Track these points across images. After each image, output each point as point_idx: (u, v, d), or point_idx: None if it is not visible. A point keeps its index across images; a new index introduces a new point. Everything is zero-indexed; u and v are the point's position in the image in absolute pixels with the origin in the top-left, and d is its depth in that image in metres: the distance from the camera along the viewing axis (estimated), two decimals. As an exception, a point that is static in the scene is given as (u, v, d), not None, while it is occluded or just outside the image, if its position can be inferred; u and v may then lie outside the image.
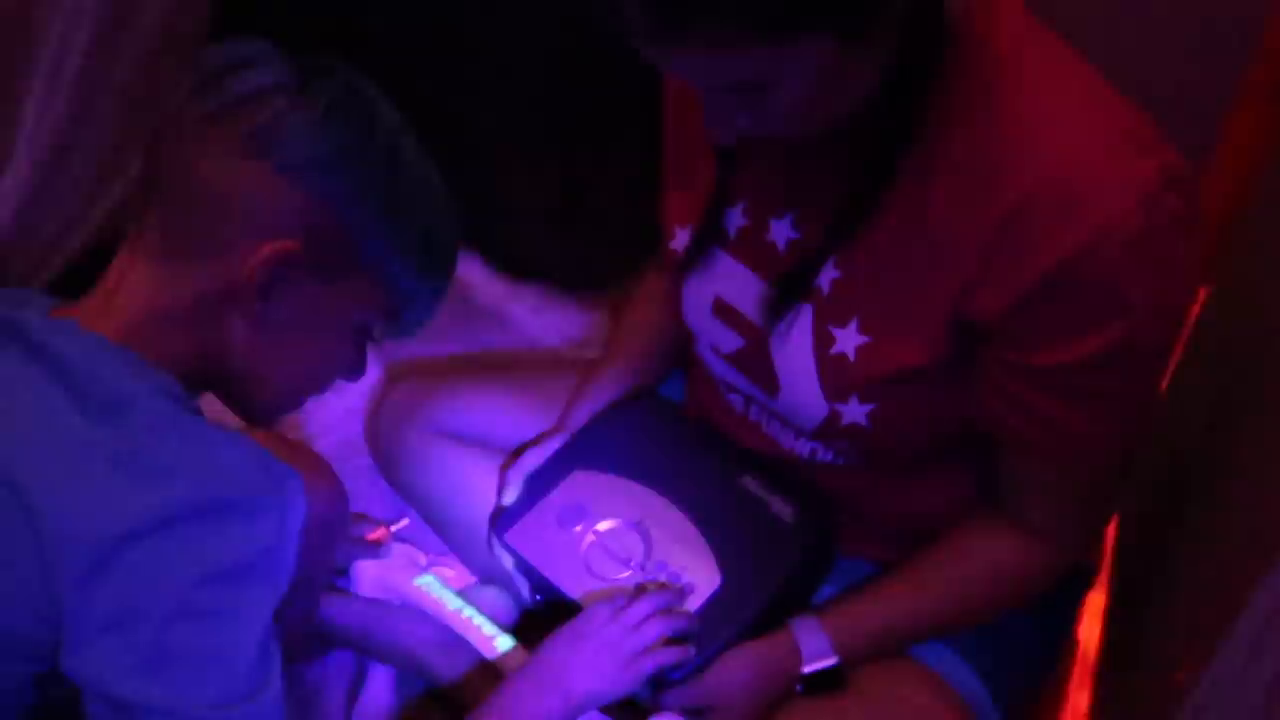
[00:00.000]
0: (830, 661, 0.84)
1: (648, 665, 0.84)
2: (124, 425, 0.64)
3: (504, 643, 0.95)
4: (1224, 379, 0.96)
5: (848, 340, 0.79)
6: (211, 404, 0.75)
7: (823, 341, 0.80)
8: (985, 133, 0.71)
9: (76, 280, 0.75)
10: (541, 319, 1.42)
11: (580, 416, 1.02)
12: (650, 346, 1.06)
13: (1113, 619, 1.05)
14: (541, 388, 1.09)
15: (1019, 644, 0.92)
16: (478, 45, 1.34)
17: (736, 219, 0.85)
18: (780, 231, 0.83)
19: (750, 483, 0.92)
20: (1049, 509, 0.82)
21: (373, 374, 1.29)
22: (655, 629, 0.85)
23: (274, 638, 0.67)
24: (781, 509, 0.91)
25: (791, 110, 0.68)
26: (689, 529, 0.91)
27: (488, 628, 0.96)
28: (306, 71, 0.69)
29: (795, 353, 0.82)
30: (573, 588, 0.91)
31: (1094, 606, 1.05)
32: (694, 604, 0.88)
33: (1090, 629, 1.05)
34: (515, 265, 1.45)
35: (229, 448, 0.66)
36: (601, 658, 0.83)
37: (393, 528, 1.06)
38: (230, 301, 0.69)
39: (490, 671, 0.94)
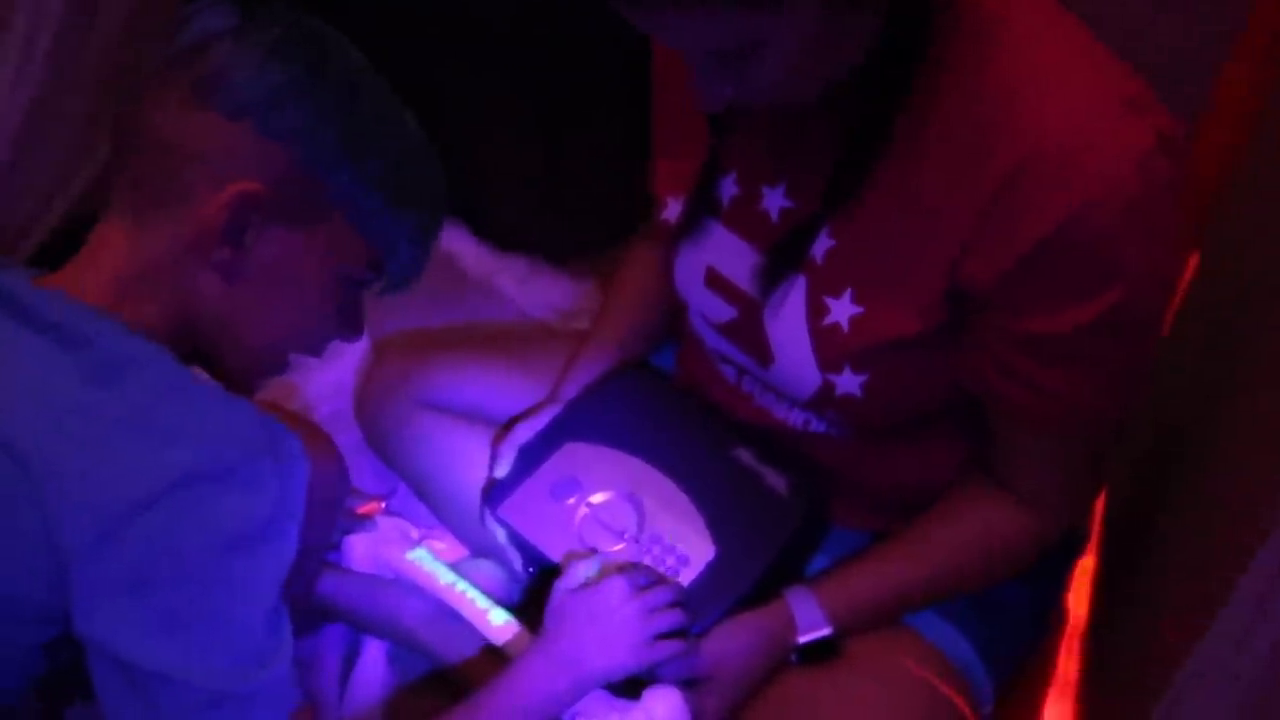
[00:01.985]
0: (825, 631, 0.84)
1: (658, 653, 0.83)
2: (126, 388, 0.63)
3: (498, 616, 0.95)
4: (1214, 345, 0.96)
5: (841, 310, 0.79)
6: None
7: (816, 312, 0.79)
8: (977, 96, 0.70)
9: (53, 256, 0.74)
10: (528, 289, 1.41)
11: (572, 388, 1.01)
12: (641, 317, 1.05)
13: (1102, 587, 1.05)
14: (532, 359, 1.08)
15: (1011, 611, 0.93)
16: (461, 17, 1.33)
17: (729, 188, 0.84)
18: (773, 200, 0.82)
19: (743, 454, 0.92)
20: (1041, 477, 0.82)
21: (360, 347, 1.28)
22: (670, 619, 0.84)
23: (284, 605, 0.66)
24: (775, 480, 0.91)
25: (778, 77, 0.67)
26: (683, 501, 0.91)
27: (481, 601, 0.96)
28: (250, 15, 0.68)
29: (788, 323, 0.81)
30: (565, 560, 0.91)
31: (1083, 574, 1.06)
32: (689, 576, 0.88)
33: (1079, 597, 1.06)
34: (501, 236, 1.44)
35: (231, 410, 0.66)
36: (618, 639, 0.83)
37: (383, 503, 1.05)
38: (202, 255, 0.68)
39: (488, 650, 0.94)
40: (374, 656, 1.00)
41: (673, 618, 0.84)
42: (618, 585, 0.84)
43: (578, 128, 1.40)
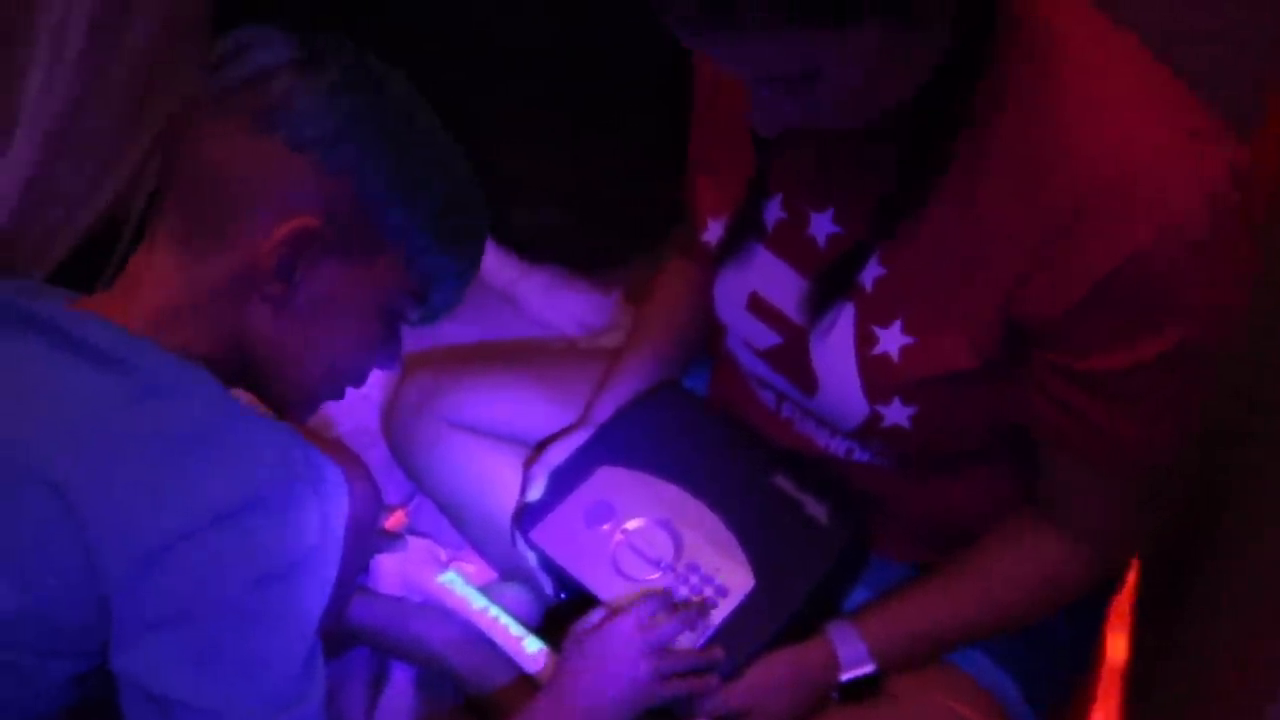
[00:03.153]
0: (868, 669, 0.82)
1: (668, 692, 0.83)
2: (168, 416, 0.62)
3: (532, 644, 0.93)
4: (1264, 375, 0.94)
5: (891, 340, 0.77)
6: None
7: (865, 341, 0.78)
8: (1040, 123, 0.68)
9: (79, 268, 0.73)
10: (554, 302, 1.39)
11: (605, 409, 0.99)
12: (675, 336, 1.03)
13: (1143, 624, 1.03)
14: (562, 379, 1.07)
15: (1052, 647, 0.91)
16: (488, 26, 1.31)
17: (774, 211, 0.82)
18: (821, 226, 0.80)
19: (783, 482, 0.90)
20: (1094, 513, 0.80)
21: (386, 364, 1.26)
22: (678, 662, 0.83)
23: (319, 640, 0.65)
24: (815, 509, 0.89)
25: (840, 101, 0.65)
26: (720, 529, 0.89)
27: (515, 628, 0.94)
28: (311, 47, 0.68)
29: (836, 352, 0.79)
30: (601, 588, 0.89)
31: (1121, 609, 1.04)
32: (727, 607, 0.86)
33: (1117, 632, 1.04)
34: (526, 247, 1.42)
35: (274, 438, 0.65)
36: (623, 680, 0.82)
37: (408, 506, 1.04)
38: (253, 286, 0.68)
39: (522, 678, 0.92)
40: (402, 682, 0.99)
41: (682, 660, 0.83)
42: (623, 625, 0.84)
43: (604, 137, 1.38)
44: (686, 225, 1.02)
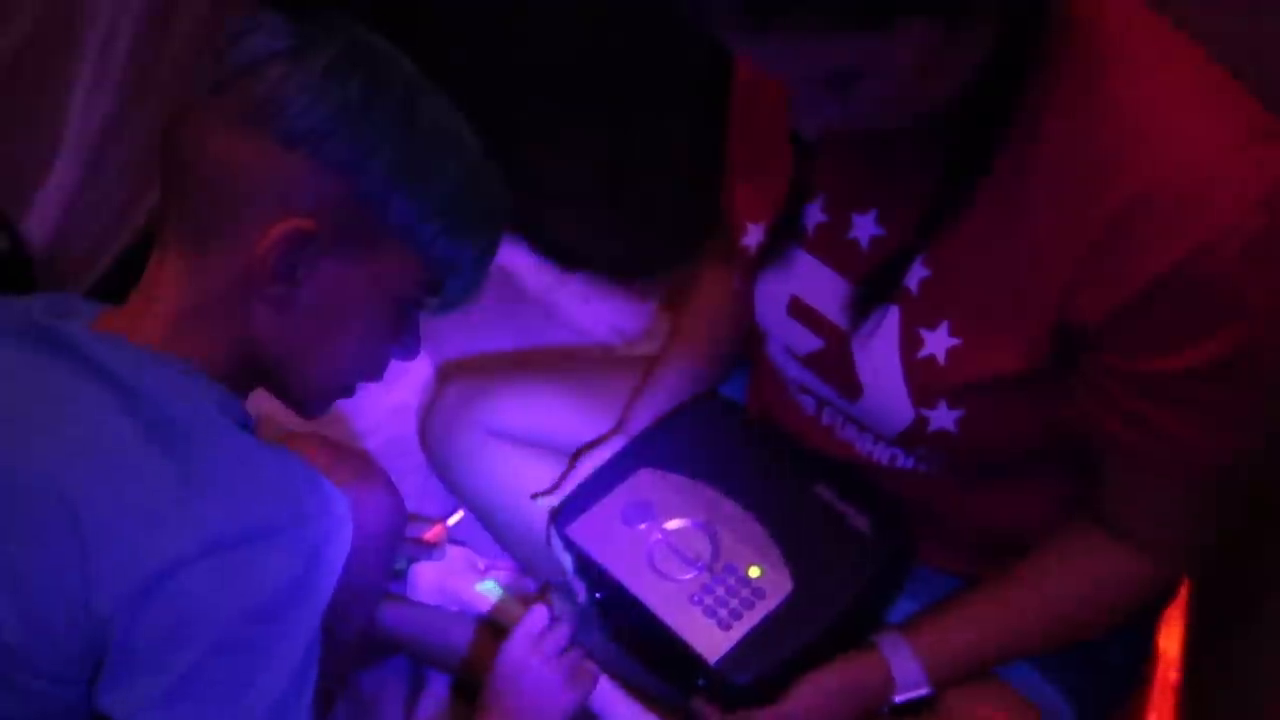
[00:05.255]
0: (923, 692, 0.80)
1: (582, 689, 0.89)
2: (177, 447, 0.61)
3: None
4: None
5: (938, 343, 0.75)
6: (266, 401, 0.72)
7: (910, 344, 0.76)
8: (1093, 122, 0.66)
9: (121, 281, 0.72)
10: (590, 308, 1.39)
11: (641, 419, 0.98)
12: (711, 344, 1.02)
13: (1196, 639, 1.01)
14: (600, 388, 1.06)
15: (1103, 661, 0.88)
16: (524, 29, 1.31)
17: (815, 215, 0.81)
18: (863, 228, 0.79)
19: (824, 491, 0.89)
20: (1156, 521, 0.77)
21: (424, 371, 1.26)
22: (571, 660, 0.89)
23: (312, 663, 0.63)
24: (857, 520, 0.87)
25: (885, 99, 0.64)
26: (760, 534, 0.88)
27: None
28: (303, 33, 0.65)
29: (880, 356, 0.78)
30: (635, 584, 0.88)
31: (1174, 622, 1.01)
32: (764, 609, 0.84)
33: (1170, 642, 1.01)
34: (562, 253, 1.42)
35: (278, 471, 0.63)
36: (538, 696, 0.86)
37: (449, 521, 1.03)
38: (253, 289, 0.65)
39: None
40: (439, 690, 0.98)
41: (573, 658, 0.90)
42: (515, 642, 0.89)
43: (642, 143, 1.37)
44: (723, 232, 1.01)
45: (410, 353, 0.75)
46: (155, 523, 0.59)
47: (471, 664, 0.95)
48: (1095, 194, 0.66)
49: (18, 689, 0.60)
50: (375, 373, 0.74)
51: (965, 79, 0.66)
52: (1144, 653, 0.95)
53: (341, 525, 0.63)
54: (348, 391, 0.74)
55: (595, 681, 0.90)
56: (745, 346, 1.01)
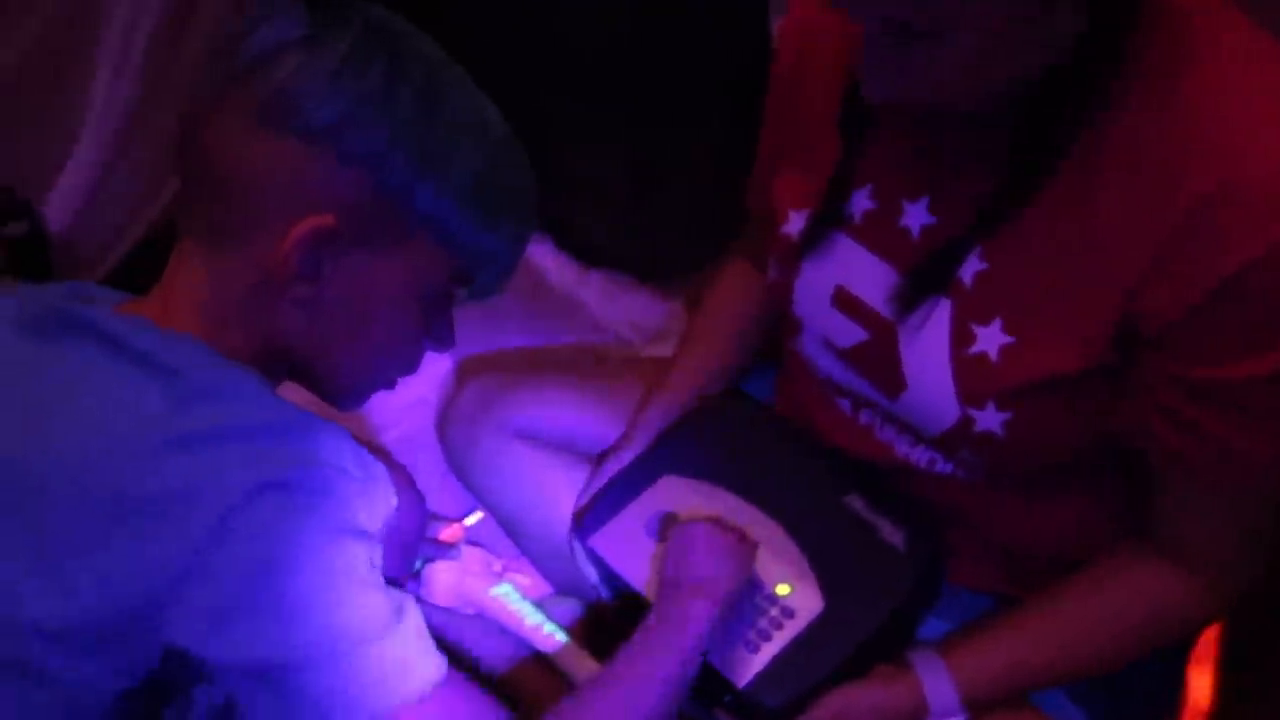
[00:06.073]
0: (958, 718, 0.78)
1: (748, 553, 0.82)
2: (219, 415, 0.60)
3: (591, 665, 0.89)
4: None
5: (990, 340, 0.72)
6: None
7: (961, 339, 0.73)
8: (1172, 117, 0.64)
9: (136, 271, 0.71)
10: (613, 307, 1.36)
11: (645, 434, 0.95)
12: (730, 342, 0.99)
13: (1226, 663, 0.98)
14: (623, 389, 1.03)
15: (1133, 685, 0.85)
16: (549, 25, 1.29)
17: (863, 202, 0.78)
18: (915, 216, 0.75)
19: (856, 502, 0.86)
20: (1211, 541, 0.74)
21: (443, 365, 1.24)
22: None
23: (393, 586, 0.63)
24: (890, 533, 0.84)
25: (966, 68, 0.62)
26: (789, 547, 0.85)
27: (568, 642, 0.91)
28: (319, 20, 0.62)
29: (928, 350, 0.74)
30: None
31: (1204, 648, 0.98)
32: (794, 629, 0.81)
33: (1201, 674, 0.98)
34: (586, 252, 1.39)
35: (325, 433, 0.62)
36: (716, 552, 0.80)
37: (467, 521, 1.01)
38: (278, 289, 0.64)
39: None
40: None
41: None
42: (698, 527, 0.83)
43: (668, 141, 1.35)
44: (749, 230, 0.98)
45: (445, 344, 0.73)
46: (214, 472, 0.58)
47: (512, 685, 0.92)
48: (1169, 190, 0.63)
49: (48, 679, 0.59)
50: (409, 366, 0.73)
51: (1047, 61, 0.63)
52: (1177, 678, 0.92)
53: (386, 493, 0.64)
54: (385, 384, 0.73)
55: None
56: (770, 346, 0.98)
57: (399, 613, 0.62)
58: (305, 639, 0.59)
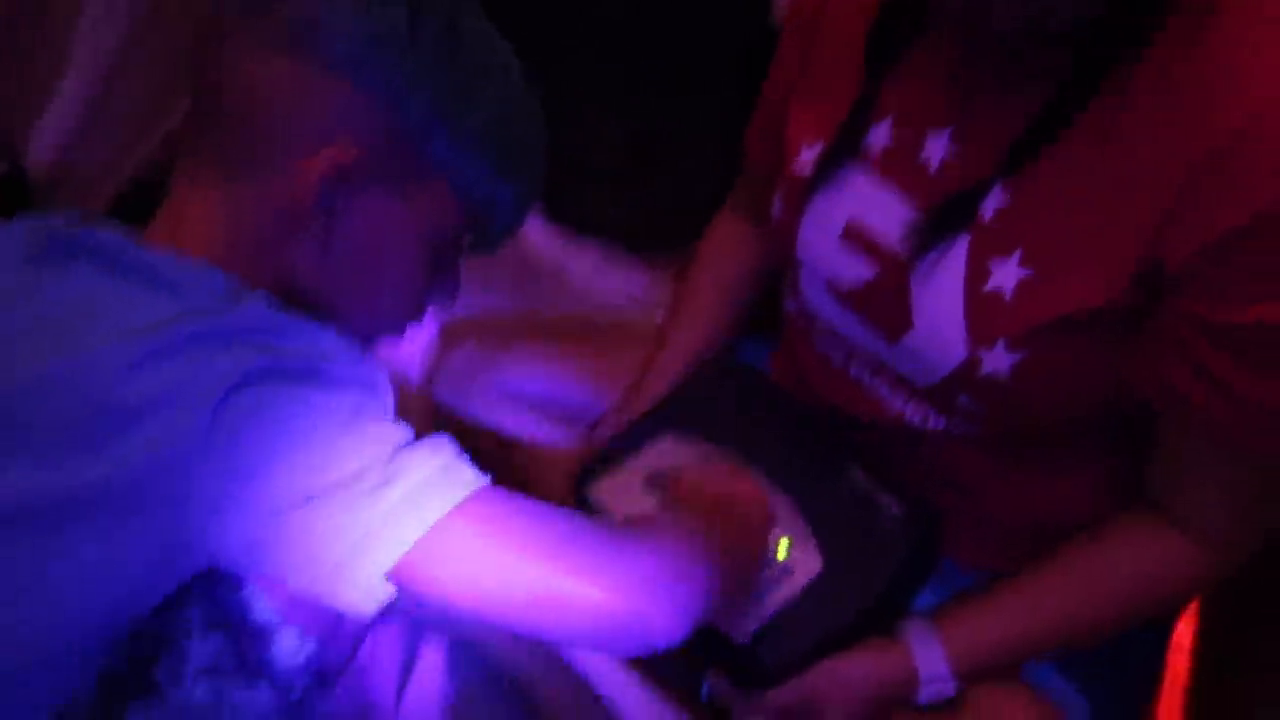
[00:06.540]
0: (948, 693, 0.77)
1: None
2: (229, 323, 0.59)
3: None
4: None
5: (1007, 275, 0.71)
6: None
7: (977, 276, 0.72)
8: (1203, 54, 0.64)
9: (122, 213, 0.69)
10: (604, 278, 1.35)
11: (650, 385, 0.95)
12: (726, 298, 0.99)
13: (1207, 631, 0.99)
14: (612, 353, 1.03)
15: (1122, 656, 0.86)
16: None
17: (881, 138, 0.77)
18: (935, 148, 0.75)
19: (857, 474, 0.85)
20: (1215, 503, 0.73)
21: (428, 327, 1.22)
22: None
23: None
24: (888, 503, 0.84)
25: None
26: (788, 509, 0.84)
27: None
28: None
29: (941, 286, 0.73)
30: None
31: (1183, 622, 1.00)
32: (792, 587, 0.80)
33: (1178, 650, 0.99)
34: (577, 221, 1.37)
35: (334, 338, 0.62)
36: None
37: None
38: (295, 221, 0.64)
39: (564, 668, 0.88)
40: (432, 665, 0.94)
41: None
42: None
43: (663, 110, 1.33)
44: (745, 180, 0.97)
45: (449, 295, 0.73)
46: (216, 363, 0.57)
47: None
48: (1197, 126, 0.63)
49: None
50: (415, 313, 0.72)
51: None
52: (1164, 648, 0.93)
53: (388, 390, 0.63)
54: (394, 330, 0.72)
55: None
56: (764, 315, 0.98)
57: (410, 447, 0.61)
58: (308, 487, 0.58)
